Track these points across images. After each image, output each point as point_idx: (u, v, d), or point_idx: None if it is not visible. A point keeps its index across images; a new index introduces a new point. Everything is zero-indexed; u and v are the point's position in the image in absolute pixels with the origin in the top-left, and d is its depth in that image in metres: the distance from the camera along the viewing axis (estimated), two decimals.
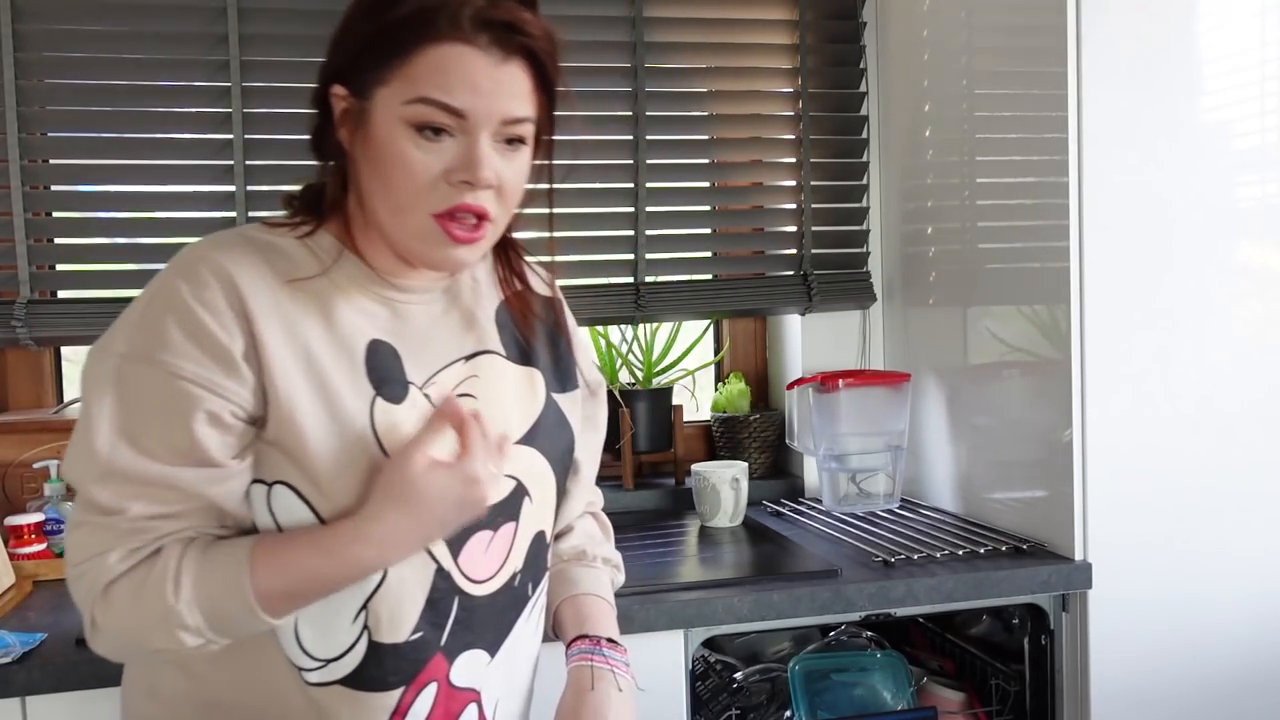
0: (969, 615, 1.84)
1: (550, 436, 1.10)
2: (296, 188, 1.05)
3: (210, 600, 0.91)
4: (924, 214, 2.08)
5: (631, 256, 2.12)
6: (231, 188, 1.94)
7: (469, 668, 1.03)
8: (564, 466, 1.14)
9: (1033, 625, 1.72)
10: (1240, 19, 1.69)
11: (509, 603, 1.06)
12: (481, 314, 1.10)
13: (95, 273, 1.95)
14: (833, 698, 1.72)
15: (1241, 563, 1.71)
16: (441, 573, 0.99)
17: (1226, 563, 1.71)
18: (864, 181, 2.22)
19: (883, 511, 2.00)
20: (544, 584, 1.13)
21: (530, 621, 1.10)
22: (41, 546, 1.75)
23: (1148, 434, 1.67)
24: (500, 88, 0.94)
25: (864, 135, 2.21)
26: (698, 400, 2.38)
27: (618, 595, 1.54)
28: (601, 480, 2.21)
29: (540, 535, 1.10)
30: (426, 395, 1.01)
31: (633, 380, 2.27)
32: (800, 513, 2.05)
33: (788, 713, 1.70)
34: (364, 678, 0.98)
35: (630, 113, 2.10)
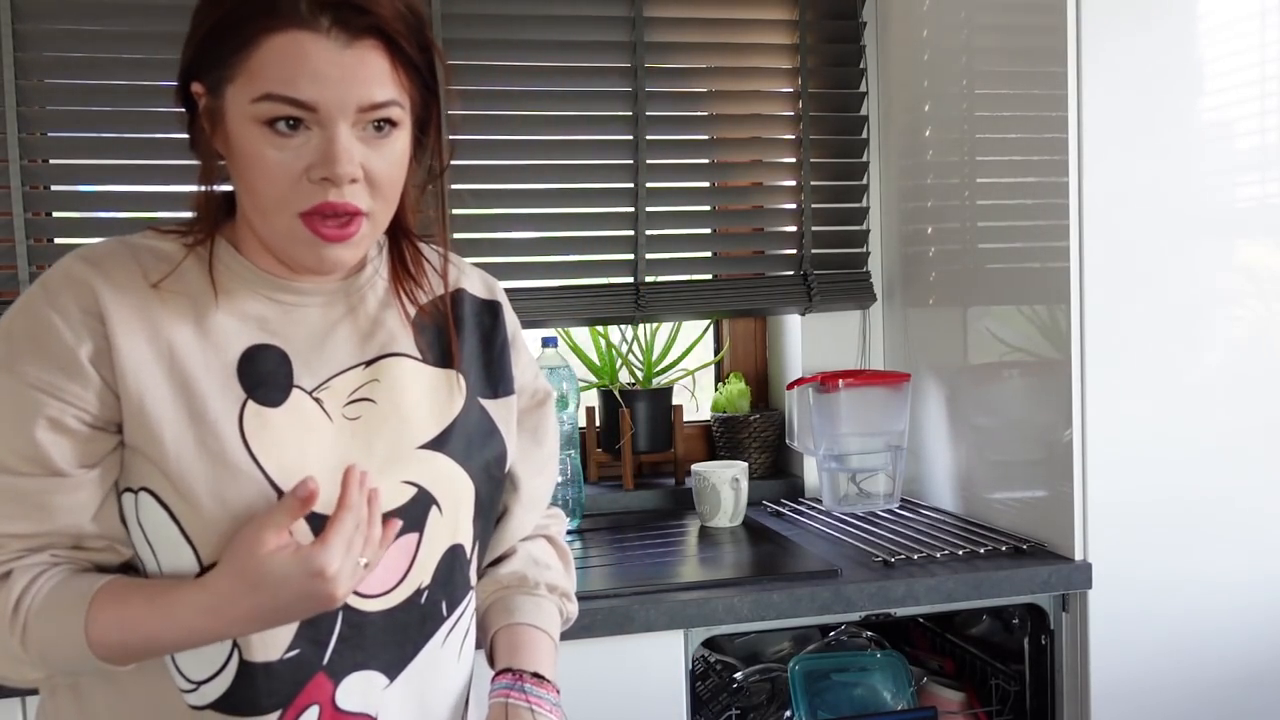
0: (969, 615, 1.84)
1: (469, 442, 1.02)
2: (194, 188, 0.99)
3: (47, 642, 0.88)
4: (924, 214, 2.08)
5: (631, 256, 2.12)
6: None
7: (360, 690, 0.94)
8: (490, 477, 1.04)
9: (1033, 625, 1.72)
10: (1240, 19, 1.69)
11: (412, 620, 0.97)
12: (392, 316, 1.02)
13: None
14: (833, 698, 1.72)
15: (1241, 563, 1.71)
16: None
17: (1226, 563, 1.71)
18: (864, 181, 2.22)
19: (883, 511, 2.00)
20: (468, 605, 1.04)
21: (448, 647, 1.01)
22: None
23: (1148, 434, 1.67)
24: (350, 73, 0.87)
25: (864, 135, 2.21)
26: (698, 400, 2.38)
27: (617, 594, 1.54)
28: (601, 480, 2.24)
29: (456, 549, 1.00)
30: (317, 399, 0.96)
31: (633, 380, 2.28)
32: (800, 513, 2.05)
33: (788, 713, 1.70)
34: (238, 700, 0.91)
35: (630, 113, 2.10)
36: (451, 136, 2.12)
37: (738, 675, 1.77)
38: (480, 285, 1.12)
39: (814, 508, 2.07)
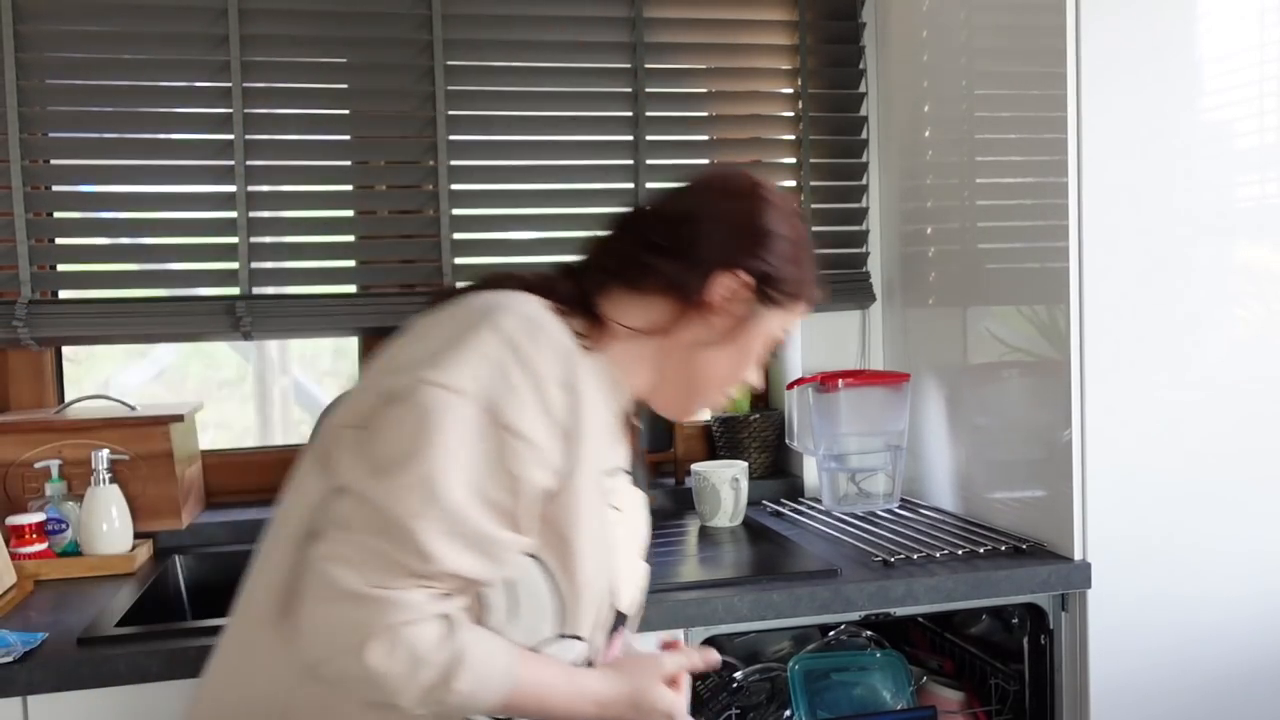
0: (968, 615, 1.84)
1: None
2: (575, 259, 1.15)
3: (477, 681, 0.93)
4: (924, 214, 2.08)
5: None
6: (232, 188, 1.94)
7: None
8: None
9: (1032, 625, 1.72)
10: (1240, 19, 1.69)
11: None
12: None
13: (96, 273, 1.95)
14: (832, 697, 1.72)
15: (1241, 562, 1.71)
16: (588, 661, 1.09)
17: (1226, 562, 1.71)
18: (864, 181, 2.22)
19: (882, 511, 2.00)
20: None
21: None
22: (42, 546, 1.75)
23: (1147, 434, 1.68)
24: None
25: (864, 135, 2.22)
26: None
27: None
28: None
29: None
30: (615, 507, 1.10)
31: None
32: (800, 513, 2.05)
33: (787, 712, 1.70)
34: None
35: (630, 113, 2.10)
36: (452, 137, 2.14)
37: (737, 675, 1.77)
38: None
39: (814, 507, 2.07)
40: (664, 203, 1.14)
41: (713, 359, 1.09)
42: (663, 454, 2.23)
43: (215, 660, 1.07)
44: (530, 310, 0.99)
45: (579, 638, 1.03)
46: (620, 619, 1.13)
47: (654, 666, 1.08)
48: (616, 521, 1.08)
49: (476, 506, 0.92)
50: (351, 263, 2.04)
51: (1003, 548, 1.71)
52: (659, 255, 1.07)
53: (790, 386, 2.16)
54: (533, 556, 0.99)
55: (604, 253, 1.12)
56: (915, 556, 1.69)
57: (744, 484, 2.00)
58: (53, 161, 1.94)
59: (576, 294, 1.07)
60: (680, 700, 1.10)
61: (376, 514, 0.90)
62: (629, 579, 1.12)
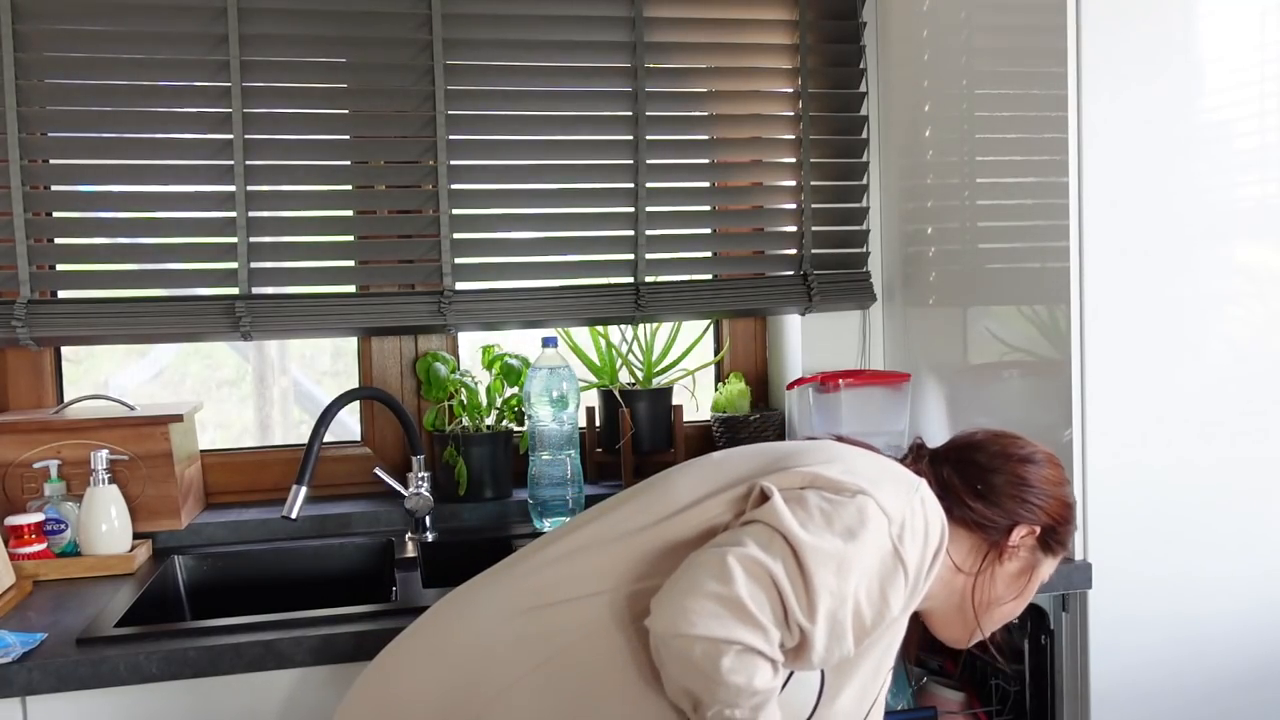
0: None
1: None
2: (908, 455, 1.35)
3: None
4: (924, 214, 2.08)
5: (631, 256, 2.12)
6: (232, 188, 1.94)
7: None
8: None
9: (1032, 625, 1.72)
10: (1240, 19, 1.69)
11: None
12: None
13: (95, 273, 1.95)
14: None
15: (1241, 563, 1.71)
16: None
17: (1226, 563, 1.71)
18: (864, 181, 2.22)
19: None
20: None
21: None
22: (41, 546, 1.75)
23: (1148, 434, 1.67)
24: None
25: (864, 135, 2.22)
26: (698, 400, 2.38)
27: None
28: (601, 480, 2.24)
29: None
30: None
31: (633, 380, 2.28)
32: None
33: None
34: None
35: (630, 113, 2.10)
36: (452, 137, 2.14)
37: None
38: None
39: None
40: (974, 452, 1.33)
41: (1002, 597, 1.30)
42: (663, 454, 2.23)
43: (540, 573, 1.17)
44: (933, 494, 1.20)
45: None
46: None
47: None
48: (885, 685, 1.23)
49: (854, 605, 1.06)
50: (351, 263, 2.03)
51: None
52: (978, 499, 1.28)
53: (790, 386, 2.16)
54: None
55: (934, 478, 1.28)
56: None
57: None
58: (52, 161, 1.94)
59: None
60: None
61: (794, 561, 1.03)
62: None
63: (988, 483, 1.29)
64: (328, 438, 1.89)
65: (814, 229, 2.20)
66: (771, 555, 1.03)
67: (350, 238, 2.06)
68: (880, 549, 1.08)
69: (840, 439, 1.31)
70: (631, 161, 2.11)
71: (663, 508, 1.16)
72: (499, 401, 2.14)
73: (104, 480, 1.79)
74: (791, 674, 1.11)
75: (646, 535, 1.13)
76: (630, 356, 2.28)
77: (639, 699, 1.08)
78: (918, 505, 1.14)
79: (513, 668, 1.09)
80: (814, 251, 2.20)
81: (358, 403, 2.19)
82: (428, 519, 1.94)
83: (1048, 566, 1.34)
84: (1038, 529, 1.30)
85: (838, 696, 1.15)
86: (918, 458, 1.34)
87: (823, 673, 1.15)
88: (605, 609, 1.09)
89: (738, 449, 1.29)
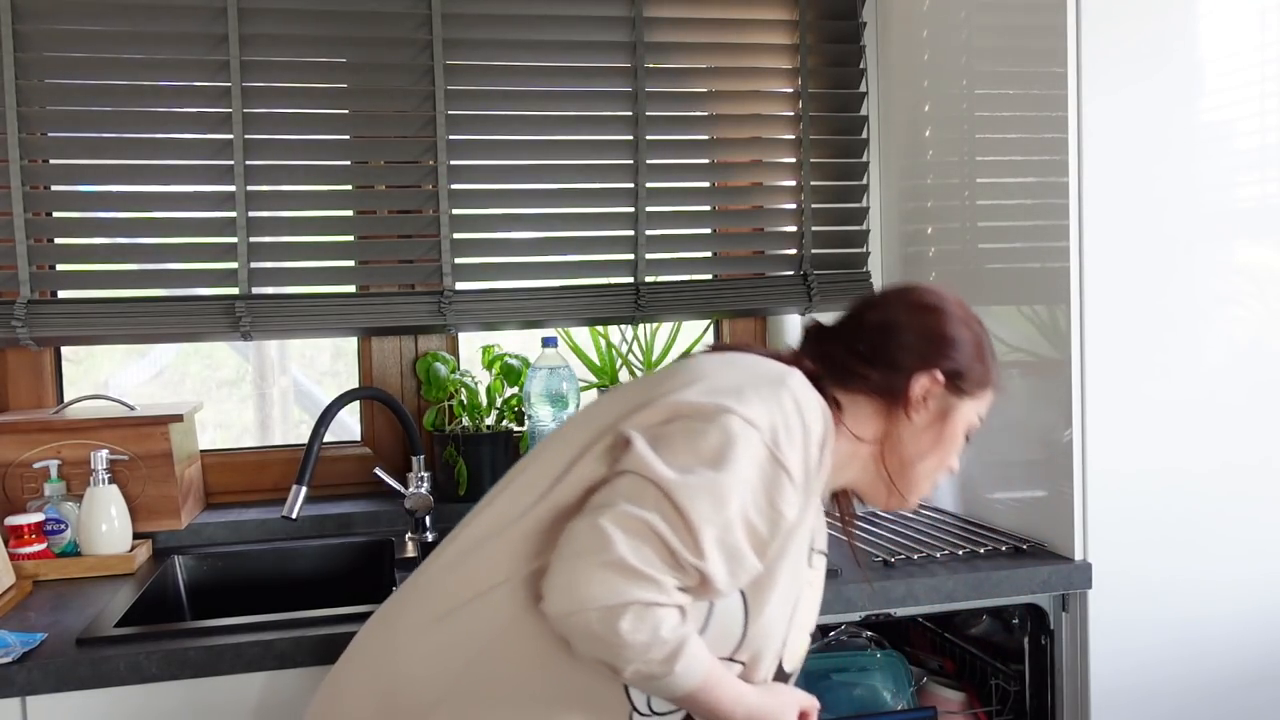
0: (969, 615, 1.84)
1: None
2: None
3: (684, 671, 1.03)
4: (924, 214, 2.08)
5: (631, 256, 2.12)
6: (231, 188, 1.94)
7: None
8: None
9: (1032, 625, 1.72)
10: (1240, 19, 1.69)
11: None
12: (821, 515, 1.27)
13: (95, 273, 1.95)
14: (833, 698, 1.72)
15: (1241, 562, 1.71)
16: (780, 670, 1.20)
17: (1226, 563, 1.71)
18: (864, 181, 2.22)
19: (883, 511, 1.99)
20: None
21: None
22: (41, 546, 1.75)
23: (1148, 434, 1.67)
24: None
25: (864, 135, 2.22)
26: None
27: None
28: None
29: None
30: (813, 566, 1.21)
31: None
32: None
33: None
34: None
35: (630, 113, 2.10)
36: (451, 136, 2.14)
37: None
38: None
39: None
40: (861, 315, 1.28)
41: (920, 453, 1.23)
42: None
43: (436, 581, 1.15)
44: (806, 382, 1.16)
45: (742, 663, 1.14)
46: (782, 675, 1.22)
47: (795, 699, 1.19)
48: (808, 583, 1.20)
49: (743, 526, 1.04)
50: (351, 263, 2.03)
51: (1003, 548, 1.71)
52: (865, 363, 1.22)
53: None
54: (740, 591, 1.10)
55: (818, 356, 1.25)
56: (915, 557, 1.69)
57: None
58: (52, 161, 1.94)
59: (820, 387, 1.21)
60: None
61: (668, 504, 1.01)
62: (800, 638, 1.21)
63: (871, 342, 1.24)
64: (328, 438, 1.89)
65: (814, 229, 2.20)
66: (644, 506, 1.01)
67: (350, 238, 2.06)
68: (757, 461, 1.05)
69: (715, 348, 1.27)
70: (631, 161, 2.11)
71: (544, 479, 1.13)
72: (499, 401, 2.14)
73: (104, 480, 1.79)
74: (713, 605, 1.09)
75: (535, 512, 1.10)
76: (630, 356, 2.28)
77: (569, 675, 1.07)
78: (788, 404, 1.09)
79: (438, 682, 1.08)
80: (814, 251, 2.20)
81: (358, 403, 2.19)
82: (428, 519, 1.94)
83: (968, 410, 1.25)
84: (938, 374, 1.22)
85: (764, 609, 1.12)
86: (804, 340, 1.30)
87: (743, 593, 1.11)
88: (509, 599, 1.08)
89: (607, 392, 1.24)
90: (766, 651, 1.15)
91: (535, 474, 1.14)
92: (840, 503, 1.34)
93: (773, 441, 1.06)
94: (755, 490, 1.05)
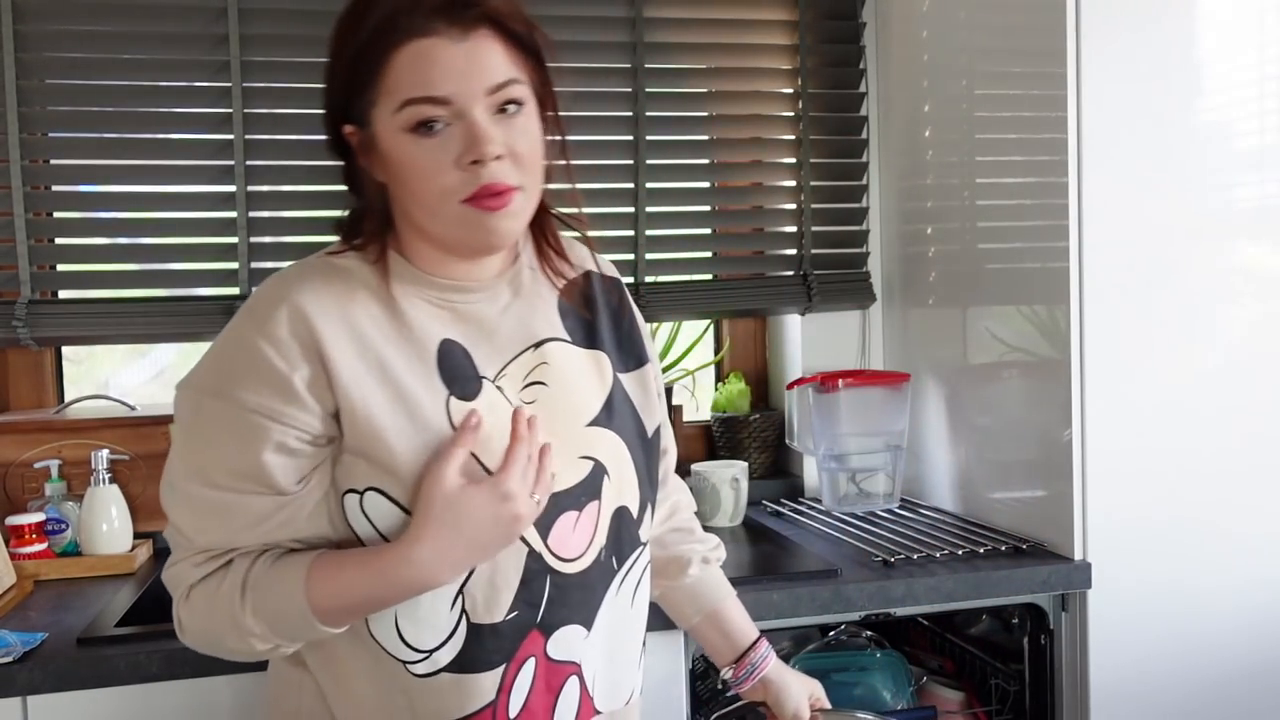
0: (968, 615, 1.84)
1: (622, 416, 1.13)
2: (340, 213, 1.10)
3: (272, 613, 0.98)
4: (924, 214, 2.08)
5: (631, 256, 2.12)
6: (232, 188, 1.94)
7: (566, 642, 1.06)
8: (644, 444, 1.15)
9: (1032, 625, 1.72)
10: (1240, 19, 1.69)
11: (598, 578, 1.08)
12: (543, 302, 1.11)
13: (96, 273, 1.95)
14: (833, 698, 1.71)
15: (1241, 562, 1.71)
16: (533, 554, 1.03)
17: (1226, 562, 1.71)
18: (864, 181, 2.22)
19: (882, 511, 2.00)
20: (634, 559, 1.12)
21: (622, 596, 1.11)
22: (42, 546, 1.75)
23: (1147, 434, 1.68)
24: (472, 61, 0.97)
25: (864, 135, 2.22)
26: (698, 400, 2.38)
27: None
28: None
29: (622, 511, 1.11)
30: (499, 388, 1.04)
31: None
32: (800, 513, 2.05)
33: None
34: (468, 660, 1.02)
35: (630, 113, 2.10)
36: None
37: None
38: (602, 263, 1.21)
39: (814, 507, 2.07)
40: None
41: (410, 187, 0.99)
42: None
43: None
44: (269, 284, 1.01)
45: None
46: (591, 493, 1.07)
47: (436, 475, 0.96)
48: (533, 399, 1.05)
49: (208, 483, 0.98)
50: None
51: (1003, 548, 1.71)
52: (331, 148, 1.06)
53: (790, 386, 2.16)
54: (374, 489, 0.99)
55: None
56: (915, 556, 1.69)
57: (744, 484, 2.00)
58: (52, 161, 1.94)
59: (354, 216, 1.08)
60: (507, 475, 0.97)
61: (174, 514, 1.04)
62: (560, 454, 1.04)
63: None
64: None
65: (814, 229, 2.20)
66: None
67: None
68: (203, 420, 0.99)
69: None
70: (631, 161, 2.11)
71: None
72: None
73: (104, 480, 1.79)
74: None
75: None
76: None
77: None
78: (230, 337, 0.99)
79: None
80: (814, 251, 2.20)
81: None
82: None
83: (392, 120, 0.97)
84: (346, 127, 1.01)
85: (409, 490, 0.98)
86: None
87: (379, 491, 0.99)
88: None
89: None
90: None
91: None
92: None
93: (204, 383, 1.00)
94: (223, 441, 0.98)
